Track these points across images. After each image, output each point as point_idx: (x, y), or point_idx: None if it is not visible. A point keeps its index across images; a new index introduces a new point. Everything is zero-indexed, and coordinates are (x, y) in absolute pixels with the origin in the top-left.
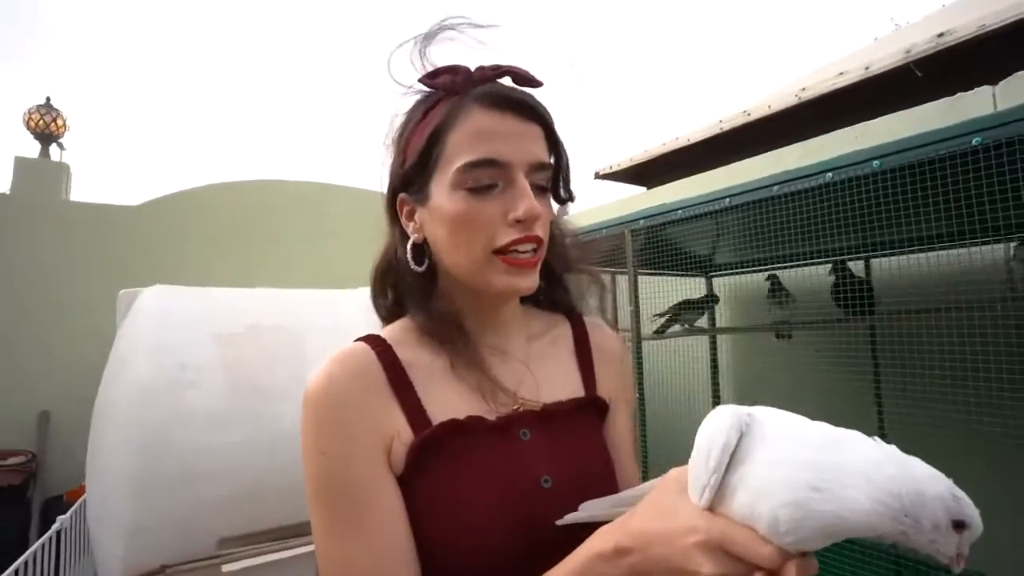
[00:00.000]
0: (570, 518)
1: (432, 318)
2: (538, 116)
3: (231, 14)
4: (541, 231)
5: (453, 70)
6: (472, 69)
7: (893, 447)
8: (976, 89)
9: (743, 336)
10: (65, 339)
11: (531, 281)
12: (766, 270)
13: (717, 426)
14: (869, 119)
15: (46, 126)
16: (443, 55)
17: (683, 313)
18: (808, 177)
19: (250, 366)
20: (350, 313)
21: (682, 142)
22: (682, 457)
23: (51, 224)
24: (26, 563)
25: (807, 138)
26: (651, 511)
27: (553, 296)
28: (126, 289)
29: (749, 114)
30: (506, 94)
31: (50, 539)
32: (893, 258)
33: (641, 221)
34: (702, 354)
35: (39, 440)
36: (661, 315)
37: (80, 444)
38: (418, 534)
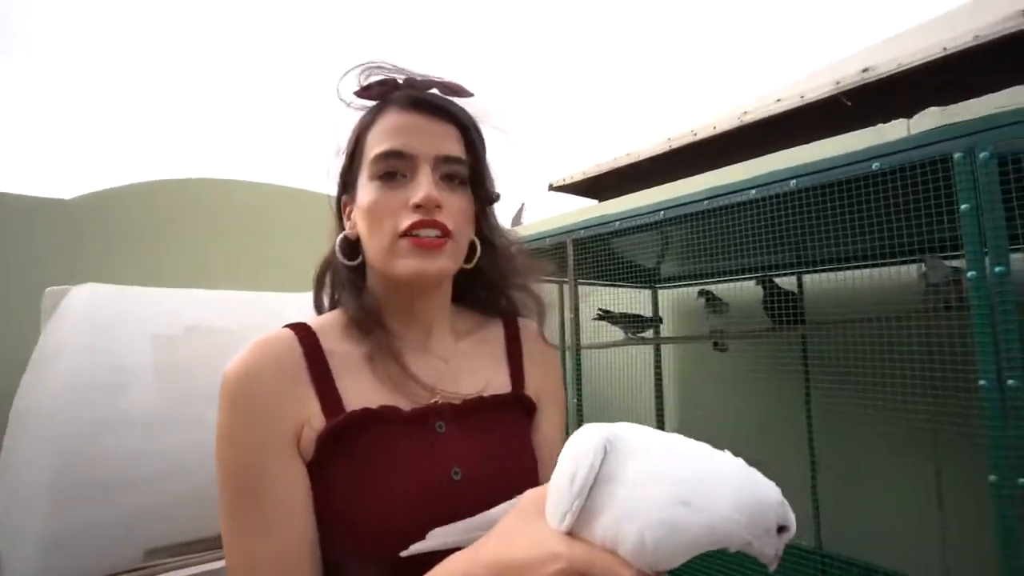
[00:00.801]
0: (416, 548)
1: (357, 310)
2: (451, 116)
3: (177, 9)
4: (446, 219)
5: (384, 82)
6: (401, 80)
7: (740, 460)
8: (893, 121)
9: (685, 348)
10: None
11: (437, 264)
12: (708, 283)
13: (582, 447)
14: (805, 143)
15: None
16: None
17: (628, 324)
18: (734, 193)
19: (187, 369)
20: (293, 316)
21: (632, 158)
22: None
23: None
24: None
25: (749, 158)
26: (506, 537)
27: (489, 302)
28: (53, 287)
29: (695, 134)
30: (418, 96)
31: None
32: (823, 274)
33: (582, 231)
34: (644, 365)
35: None
36: (605, 312)
37: None
38: (325, 520)
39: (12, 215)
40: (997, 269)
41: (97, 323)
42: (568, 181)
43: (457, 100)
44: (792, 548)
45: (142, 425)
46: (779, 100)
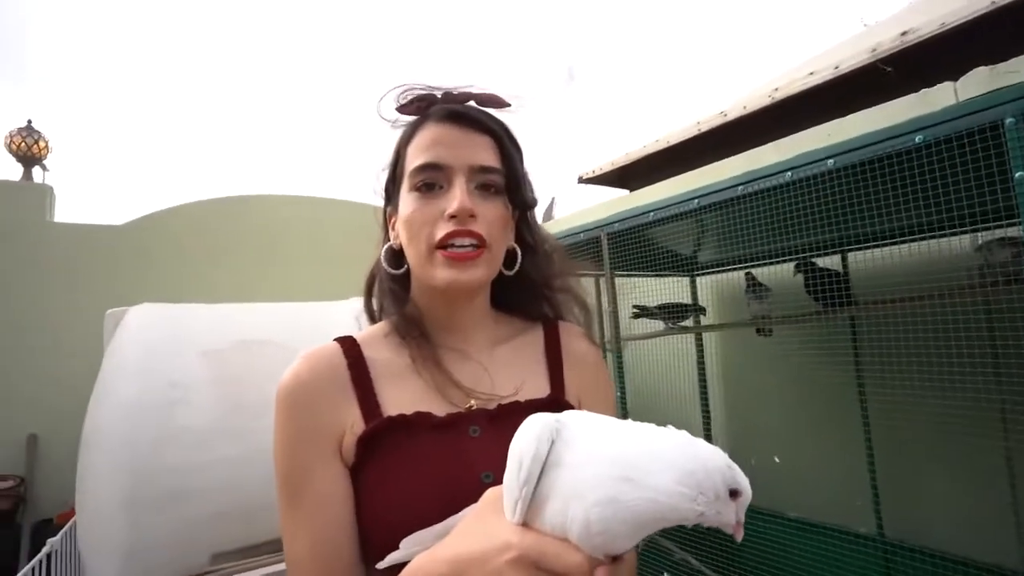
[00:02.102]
0: (392, 558)
1: (399, 318)
2: (486, 128)
3: (212, 32)
4: (481, 228)
5: (422, 98)
6: (439, 95)
7: (684, 432)
8: (939, 85)
9: (728, 335)
10: (53, 361)
11: (471, 275)
12: (749, 267)
13: (526, 437)
14: (841, 116)
15: (28, 148)
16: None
17: (666, 315)
18: (770, 176)
19: (238, 382)
20: (340, 323)
21: (661, 144)
22: None
23: (36, 246)
24: None
25: (783, 136)
26: (465, 535)
27: (530, 306)
28: (113, 309)
29: (726, 115)
30: (454, 109)
31: (40, 562)
32: (868, 252)
33: (616, 224)
34: (686, 354)
35: (28, 464)
36: (641, 308)
37: (69, 466)
38: (363, 519)
39: (71, 243)
40: None
41: (153, 341)
42: (598, 172)
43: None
44: (852, 536)
45: (200, 437)
46: (812, 73)
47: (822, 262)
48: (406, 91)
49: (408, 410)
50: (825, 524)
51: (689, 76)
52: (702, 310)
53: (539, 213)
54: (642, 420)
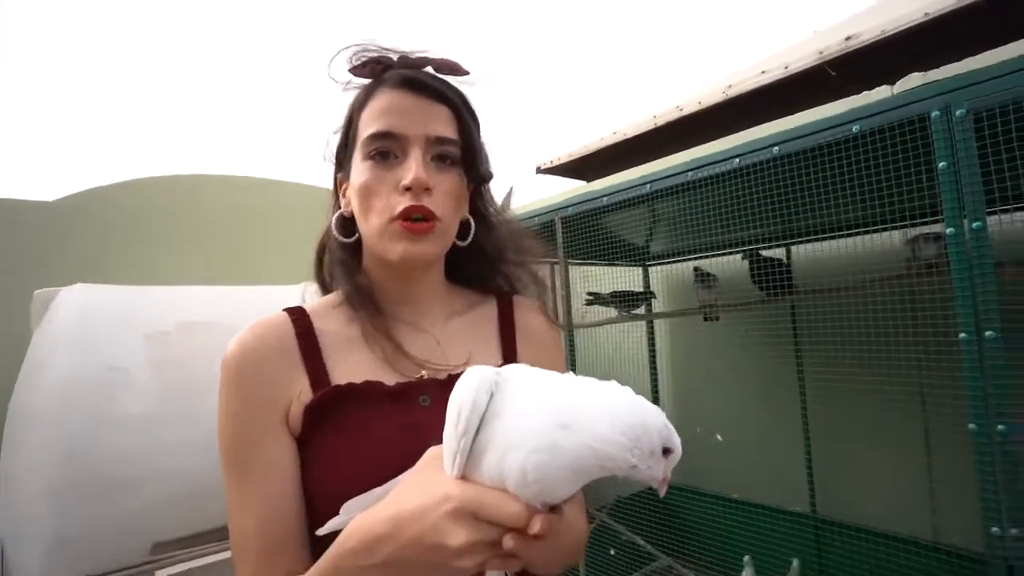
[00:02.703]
0: (331, 524)
1: (350, 288)
2: (443, 97)
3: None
4: (436, 204)
5: (377, 60)
6: (395, 59)
7: (628, 389)
8: (877, 88)
9: (677, 323)
10: None
11: (423, 248)
12: (699, 259)
13: (465, 388)
14: (789, 115)
15: None
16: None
17: (619, 303)
18: (718, 163)
19: (183, 365)
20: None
21: (618, 137)
22: None
23: None
24: None
25: (735, 132)
26: (403, 492)
27: (484, 279)
28: (41, 289)
29: (681, 109)
30: (411, 76)
31: None
32: (810, 246)
33: (570, 209)
34: (639, 342)
35: None
36: (595, 295)
37: None
38: (309, 489)
39: None
40: (974, 224)
41: (89, 323)
42: (555, 163)
43: (452, 79)
44: (786, 514)
45: (141, 422)
46: (763, 72)
47: (768, 254)
48: (359, 52)
49: (356, 380)
50: (764, 504)
51: (646, 71)
52: (652, 295)
53: (497, 201)
54: None
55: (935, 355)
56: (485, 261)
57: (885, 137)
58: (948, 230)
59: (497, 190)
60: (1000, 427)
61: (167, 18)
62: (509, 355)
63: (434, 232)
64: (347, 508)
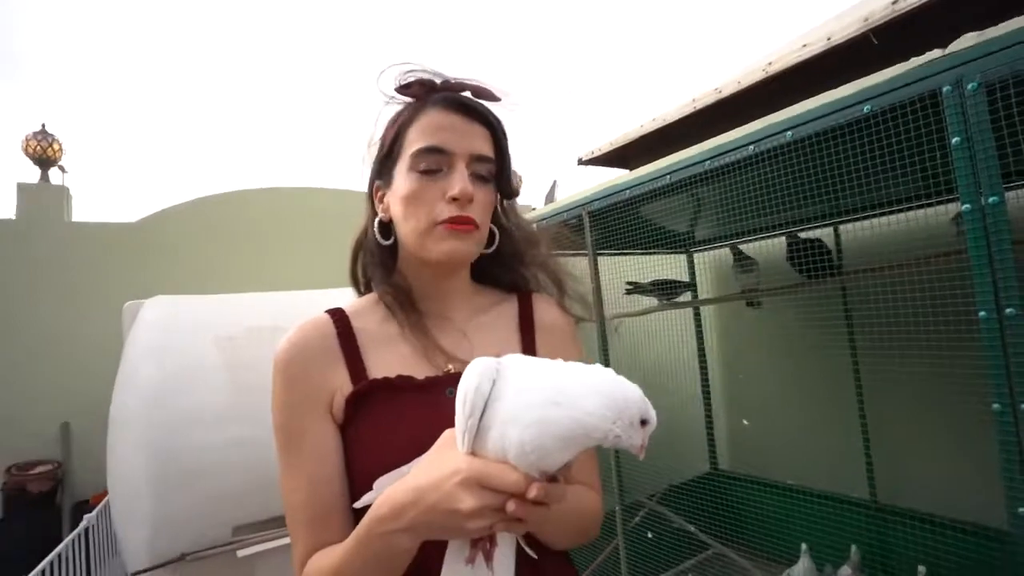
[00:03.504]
0: (366, 498)
1: (388, 288)
2: (484, 119)
3: (211, 34)
4: (476, 214)
5: (423, 82)
6: (439, 82)
7: (610, 370)
8: (927, 53)
9: (725, 310)
10: (78, 353)
11: (467, 246)
12: (744, 242)
13: (470, 376)
14: (834, 88)
15: (43, 151)
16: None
17: (659, 291)
18: (733, 151)
19: (249, 366)
20: None
21: (659, 123)
22: (663, 432)
23: (55, 245)
24: (59, 557)
25: (777, 110)
26: (424, 468)
27: (505, 278)
28: (130, 302)
29: (720, 91)
30: (457, 99)
31: (78, 536)
32: (858, 224)
33: (595, 203)
34: (685, 330)
35: (63, 449)
36: (634, 285)
37: (100, 450)
38: (351, 468)
39: (88, 241)
40: (991, 199)
41: (169, 330)
42: (597, 153)
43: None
44: (844, 501)
45: (216, 419)
46: (805, 45)
47: (808, 235)
48: (409, 71)
49: (392, 374)
50: (821, 491)
51: (685, 55)
52: (691, 286)
53: (541, 196)
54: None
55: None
56: (506, 264)
57: (897, 115)
58: (964, 206)
59: (542, 186)
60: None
61: (219, 52)
62: (528, 347)
63: (473, 235)
64: (378, 484)
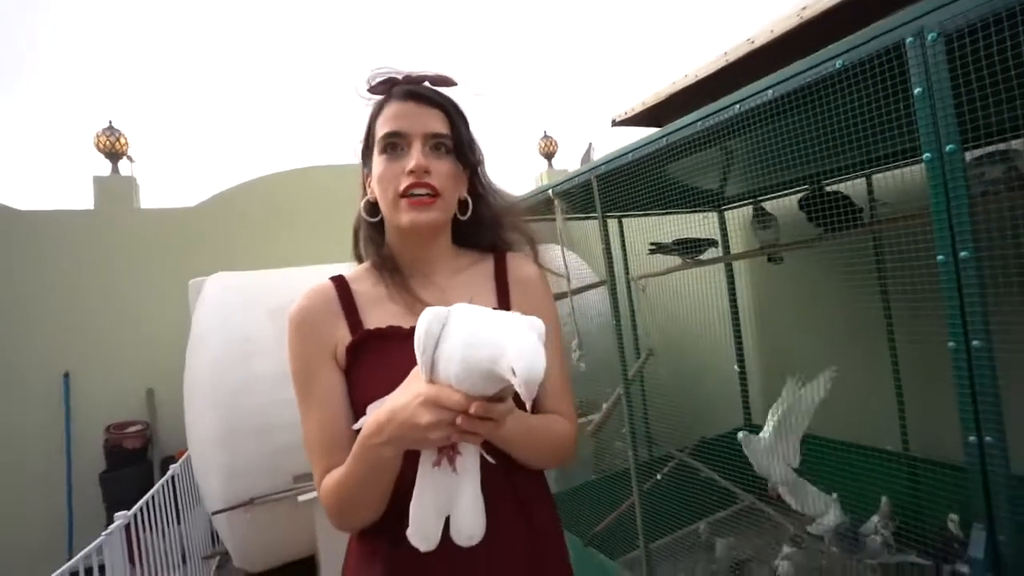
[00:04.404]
0: (361, 422)
1: (378, 257)
2: (437, 103)
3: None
4: (435, 181)
5: (387, 80)
6: (400, 77)
7: (525, 320)
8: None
9: (755, 267)
10: (155, 327)
11: (427, 216)
12: (768, 199)
13: (422, 322)
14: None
15: (111, 146)
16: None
17: (683, 250)
18: (720, 111)
19: None
20: None
21: (690, 79)
22: (692, 385)
23: (127, 230)
24: (152, 499)
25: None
26: (396, 394)
27: (484, 240)
28: (194, 279)
29: (753, 42)
30: (411, 89)
31: (166, 483)
32: (892, 172)
33: (603, 167)
34: (716, 288)
35: (150, 412)
36: (657, 245)
37: (181, 413)
38: (353, 405)
39: (155, 225)
40: (948, 148)
41: (228, 304)
42: (630, 114)
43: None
44: (876, 452)
45: (270, 382)
46: None
47: (830, 188)
48: (374, 74)
49: (384, 325)
50: (853, 443)
51: (717, 7)
52: (713, 243)
53: (577, 159)
54: (669, 351)
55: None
56: (482, 227)
57: (866, 69)
58: (925, 155)
59: (578, 148)
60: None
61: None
62: (503, 300)
63: (435, 205)
64: (370, 410)
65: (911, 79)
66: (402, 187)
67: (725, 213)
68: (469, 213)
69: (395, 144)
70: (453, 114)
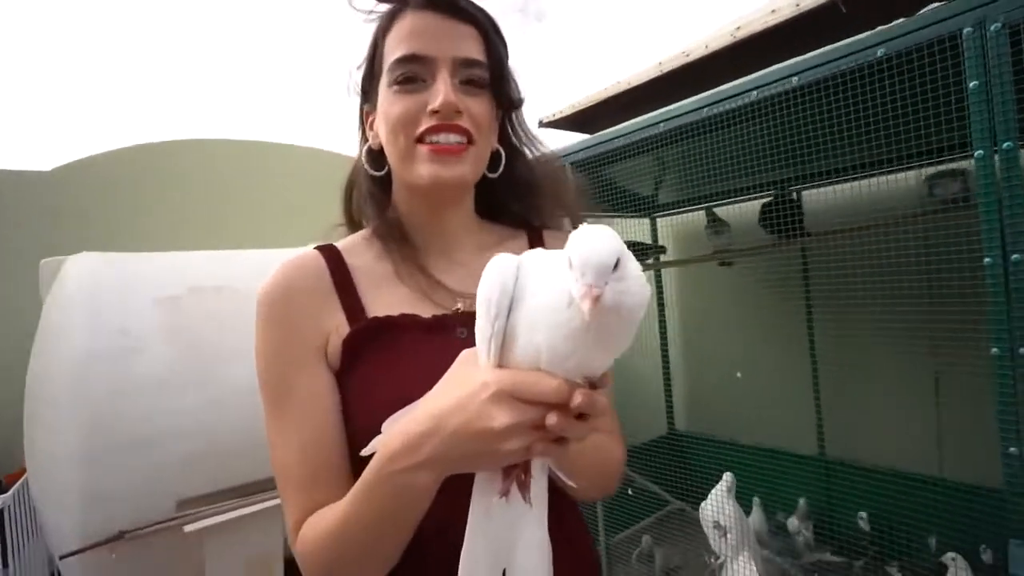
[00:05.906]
0: (374, 443)
1: (382, 222)
2: (470, 17)
3: None
4: (468, 123)
5: None
6: None
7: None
8: (895, 22)
9: (685, 274)
10: None
11: (456, 171)
12: (706, 207)
13: (491, 276)
14: (802, 55)
15: None
16: None
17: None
18: (736, 96)
19: (195, 329)
20: None
21: (623, 86)
22: (622, 386)
23: None
24: None
25: (745, 76)
26: (440, 392)
27: (514, 207)
28: (48, 259)
29: (687, 55)
30: None
31: None
32: (823, 189)
33: (580, 153)
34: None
35: None
36: None
37: (9, 424)
38: (350, 419)
39: None
40: (1005, 144)
41: (99, 290)
42: (558, 116)
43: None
44: (795, 456)
45: (157, 385)
46: (774, 11)
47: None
48: None
49: (394, 313)
50: (773, 448)
51: (652, 17)
52: (662, 249)
53: (531, 130)
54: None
55: (947, 289)
56: (516, 192)
57: (913, 61)
58: (977, 152)
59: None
60: (1022, 350)
61: None
62: None
63: (467, 154)
64: (386, 425)
65: (965, 72)
66: (421, 129)
67: (657, 220)
68: (500, 170)
69: (413, 73)
70: (492, 34)
